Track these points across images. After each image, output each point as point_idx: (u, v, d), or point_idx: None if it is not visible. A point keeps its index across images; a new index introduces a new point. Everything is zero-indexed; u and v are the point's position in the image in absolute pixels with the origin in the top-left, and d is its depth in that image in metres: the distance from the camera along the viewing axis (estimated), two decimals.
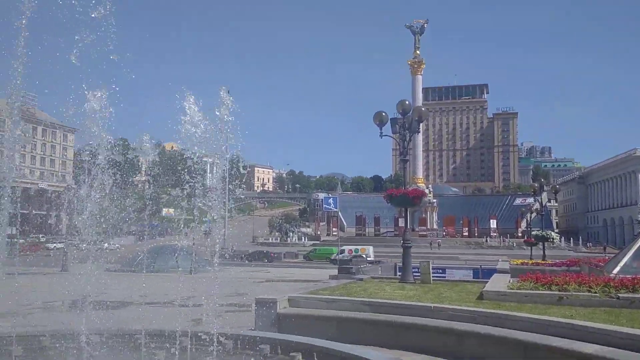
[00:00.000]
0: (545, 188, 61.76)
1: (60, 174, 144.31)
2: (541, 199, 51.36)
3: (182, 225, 10.04)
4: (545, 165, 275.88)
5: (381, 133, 19.17)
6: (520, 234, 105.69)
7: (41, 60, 8.97)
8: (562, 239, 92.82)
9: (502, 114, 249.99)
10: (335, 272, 28.41)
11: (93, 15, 8.45)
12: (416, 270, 19.04)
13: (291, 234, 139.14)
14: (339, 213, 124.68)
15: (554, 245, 49.20)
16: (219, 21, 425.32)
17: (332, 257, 71.25)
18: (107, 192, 8.31)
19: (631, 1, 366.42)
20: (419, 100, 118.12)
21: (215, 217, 8.97)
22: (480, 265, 35.76)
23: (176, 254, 41.33)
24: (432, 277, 18.55)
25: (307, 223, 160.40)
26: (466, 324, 11.05)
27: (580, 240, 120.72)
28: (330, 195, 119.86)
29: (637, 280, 12.06)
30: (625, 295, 11.51)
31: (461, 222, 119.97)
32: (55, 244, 79.91)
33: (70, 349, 9.17)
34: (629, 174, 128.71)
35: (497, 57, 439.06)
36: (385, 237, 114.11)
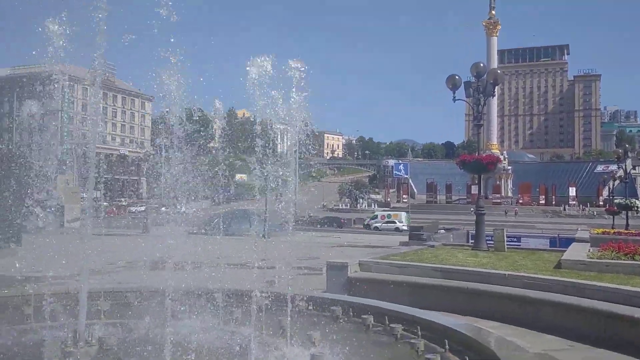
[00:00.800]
0: (630, 154, 58.42)
1: (139, 140, 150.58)
2: (625, 165, 48.73)
3: (255, 191, 10.23)
4: (630, 131, 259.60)
5: (454, 97, 18.68)
6: (601, 203, 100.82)
7: (119, 30, 9.25)
8: None
9: (583, 76, 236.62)
10: (406, 238, 28.29)
11: None
12: (489, 238, 18.66)
13: (361, 200, 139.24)
14: (409, 180, 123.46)
15: (638, 214, 46.65)
16: None
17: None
18: (183, 158, 8.58)
19: None
20: (494, 63, 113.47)
21: (286, 183, 9.10)
22: (558, 234, 34.52)
23: (250, 219, 42.55)
24: (507, 245, 18.13)
25: (376, 190, 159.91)
26: (542, 292, 10.77)
27: None
28: (400, 162, 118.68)
29: None
30: None
31: (538, 189, 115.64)
32: (136, 208, 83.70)
33: (154, 305, 9.72)
34: None
35: (579, 16, 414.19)
36: (457, 204, 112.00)
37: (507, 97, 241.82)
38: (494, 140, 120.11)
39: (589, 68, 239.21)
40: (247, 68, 8.05)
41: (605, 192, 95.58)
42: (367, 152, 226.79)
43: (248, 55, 8.39)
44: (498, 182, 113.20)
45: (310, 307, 10.50)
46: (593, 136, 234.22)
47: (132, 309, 10.87)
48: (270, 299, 9.18)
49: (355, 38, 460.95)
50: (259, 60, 8.38)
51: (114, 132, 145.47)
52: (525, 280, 11.42)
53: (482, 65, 18.39)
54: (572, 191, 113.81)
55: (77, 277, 8.55)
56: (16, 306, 10.48)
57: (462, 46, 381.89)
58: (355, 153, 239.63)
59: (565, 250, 15.86)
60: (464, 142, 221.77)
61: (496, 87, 18.53)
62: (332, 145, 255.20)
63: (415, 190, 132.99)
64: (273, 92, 8.58)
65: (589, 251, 14.75)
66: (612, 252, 13.00)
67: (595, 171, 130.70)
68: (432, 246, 19.23)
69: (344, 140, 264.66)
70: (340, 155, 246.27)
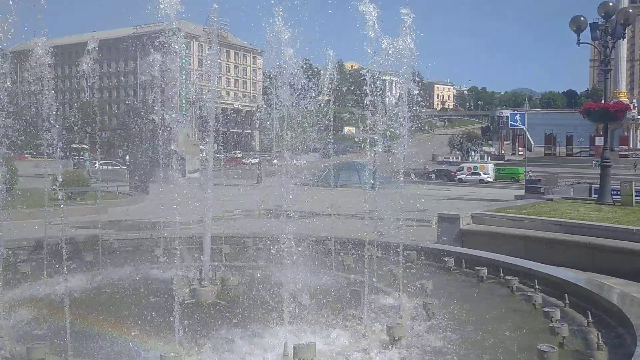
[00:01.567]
0: None
1: (251, 94, 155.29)
2: None
3: (363, 144, 10.25)
4: None
5: (579, 40, 17.39)
6: None
7: None
8: None
9: None
10: (521, 192, 27.20)
11: None
12: (615, 192, 17.42)
13: (473, 153, 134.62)
14: (526, 131, 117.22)
15: None
16: None
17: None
18: (292, 111, 8.73)
19: None
20: (625, 1, 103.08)
21: (394, 136, 9.00)
22: None
23: (359, 171, 42.87)
24: (635, 199, 16.83)
25: (489, 142, 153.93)
26: None
27: None
28: (516, 112, 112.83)
29: None
30: None
31: None
32: (250, 160, 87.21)
33: (269, 250, 10.22)
34: None
35: None
36: (578, 157, 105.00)
37: (638, 40, 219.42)
38: (623, 88, 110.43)
39: None
40: (360, 10, 7.89)
41: None
42: (479, 102, 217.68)
43: (356, 4, 8.20)
44: (626, 133, 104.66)
45: (422, 258, 10.51)
46: None
47: (249, 253, 11.53)
48: (381, 249, 9.29)
49: None
50: (367, 7, 8.21)
51: (227, 87, 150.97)
52: None
53: (610, 4, 16.88)
54: None
55: (200, 223, 9.14)
56: (147, 248, 11.49)
57: None
58: (467, 104, 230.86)
59: None
60: (587, 90, 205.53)
61: (626, 29, 17.00)
62: (443, 96, 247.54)
63: (532, 142, 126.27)
64: (381, 41, 8.41)
65: None
66: None
67: None
68: (551, 200, 18.34)
69: (455, 91, 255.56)
70: (451, 106, 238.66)
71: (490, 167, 72.30)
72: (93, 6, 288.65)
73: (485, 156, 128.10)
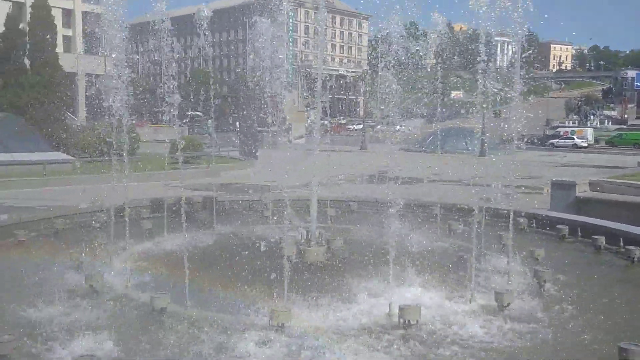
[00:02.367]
0: None
1: (356, 60, 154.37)
2: None
3: (472, 108, 9.94)
4: None
5: None
6: None
7: None
8: None
9: None
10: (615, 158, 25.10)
11: None
12: None
13: (592, 117, 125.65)
14: None
15: None
16: None
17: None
18: (399, 76, 8.61)
19: None
20: None
21: (506, 99, 8.64)
22: None
23: (466, 136, 41.56)
24: None
25: (611, 105, 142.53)
26: None
27: None
28: None
29: None
30: None
31: None
32: (354, 126, 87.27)
33: (373, 214, 10.34)
34: None
35: None
36: None
37: None
38: None
39: None
40: None
41: None
42: (601, 62, 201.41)
43: None
44: None
45: (533, 225, 10.12)
46: None
47: (354, 216, 11.71)
48: (489, 215, 9.05)
49: None
50: None
51: (332, 53, 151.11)
52: None
53: None
54: None
55: (307, 186, 9.40)
56: (258, 209, 12.04)
57: None
58: (587, 64, 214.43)
59: None
60: None
61: None
62: (560, 56, 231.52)
63: None
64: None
65: None
66: None
67: None
68: None
69: (573, 51, 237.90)
70: (568, 67, 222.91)
71: (590, 131, 66.19)
72: None
73: (606, 121, 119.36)
